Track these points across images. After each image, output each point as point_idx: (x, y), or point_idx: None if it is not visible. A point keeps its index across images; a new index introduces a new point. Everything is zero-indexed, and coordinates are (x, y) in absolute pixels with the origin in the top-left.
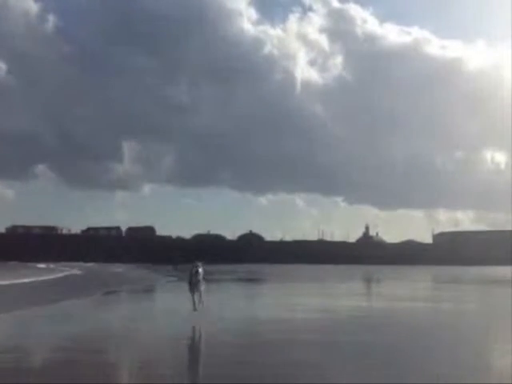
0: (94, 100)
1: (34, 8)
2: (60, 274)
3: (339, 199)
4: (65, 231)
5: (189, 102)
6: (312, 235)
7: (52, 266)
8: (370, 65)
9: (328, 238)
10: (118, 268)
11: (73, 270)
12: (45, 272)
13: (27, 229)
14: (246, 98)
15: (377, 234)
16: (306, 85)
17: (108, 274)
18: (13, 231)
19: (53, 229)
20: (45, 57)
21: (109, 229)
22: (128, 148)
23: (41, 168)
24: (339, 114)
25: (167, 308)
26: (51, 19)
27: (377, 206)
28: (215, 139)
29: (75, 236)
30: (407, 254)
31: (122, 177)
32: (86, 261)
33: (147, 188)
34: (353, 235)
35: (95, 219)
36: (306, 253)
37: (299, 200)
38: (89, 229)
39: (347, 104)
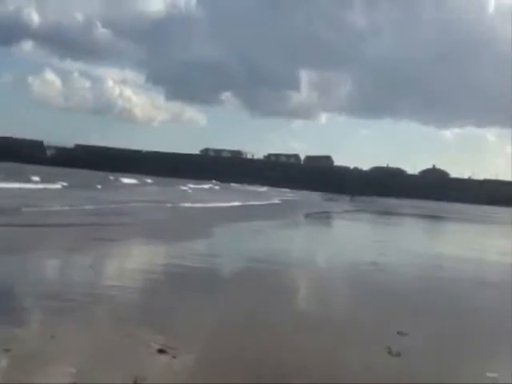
0: (274, 30)
1: None
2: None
3: None
4: (249, 156)
5: (367, 27)
6: (507, 175)
7: (265, 189)
8: None
9: None
10: (310, 195)
11: (282, 195)
12: (267, 196)
13: (217, 152)
14: (430, 21)
15: None
16: (501, 3)
17: (306, 200)
18: (206, 154)
19: (239, 153)
20: None
21: (288, 156)
22: (305, 76)
23: (226, 95)
24: None
25: (350, 234)
26: None
27: None
28: (395, 67)
29: (259, 161)
30: None
31: (299, 105)
32: (269, 185)
33: (324, 117)
34: None
35: (274, 146)
36: (499, 194)
37: (490, 135)
38: (270, 155)
39: None
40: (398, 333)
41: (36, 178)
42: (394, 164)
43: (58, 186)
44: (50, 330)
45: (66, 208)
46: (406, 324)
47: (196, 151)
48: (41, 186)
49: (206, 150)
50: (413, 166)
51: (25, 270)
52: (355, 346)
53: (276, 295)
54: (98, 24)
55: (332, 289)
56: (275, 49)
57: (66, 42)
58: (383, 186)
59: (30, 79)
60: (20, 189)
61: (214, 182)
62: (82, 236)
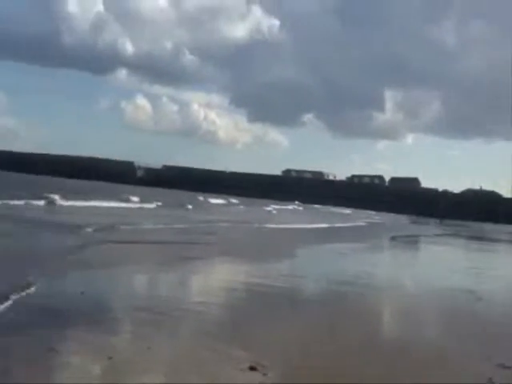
0: (357, 49)
1: None
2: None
3: None
4: (331, 177)
5: (455, 44)
6: None
7: (349, 211)
8: None
9: None
10: (397, 217)
11: (368, 218)
12: (352, 218)
13: (299, 173)
14: None
15: None
16: None
17: (393, 223)
18: (287, 174)
19: (320, 174)
20: (311, 11)
21: (372, 177)
22: (390, 96)
23: (308, 117)
24: None
25: (441, 259)
26: None
27: None
28: (486, 85)
29: (341, 182)
30: None
31: (383, 126)
32: (353, 206)
33: (410, 138)
34: None
35: (358, 167)
36: None
37: None
38: (353, 176)
39: None
40: (499, 365)
41: (135, 199)
42: (486, 186)
43: (153, 205)
44: (147, 342)
45: (160, 226)
46: (509, 357)
47: (278, 172)
48: (138, 205)
49: (287, 171)
50: (508, 188)
51: (119, 284)
52: (452, 378)
53: (361, 319)
54: (186, 51)
55: (423, 316)
56: (359, 69)
57: (156, 69)
58: (476, 210)
59: (123, 104)
60: (119, 208)
61: (296, 202)
62: (171, 253)
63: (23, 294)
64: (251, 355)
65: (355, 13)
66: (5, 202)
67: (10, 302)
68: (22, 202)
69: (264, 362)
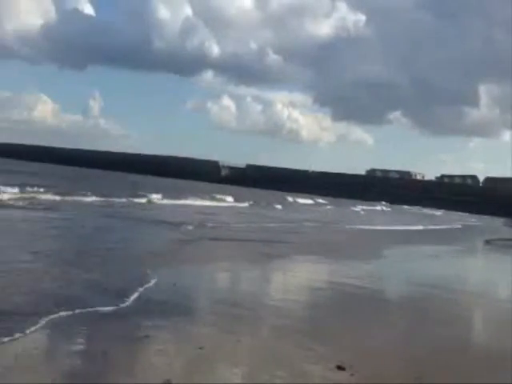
0: (449, 43)
1: None
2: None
3: None
4: (419, 177)
5: None
6: None
7: (441, 212)
8: None
9: None
10: (493, 220)
11: (462, 220)
12: (446, 220)
13: (384, 172)
14: None
15: None
16: None
17: (490, 226)
18: (372, 174)
19: (408, 174)
20: (398, 6)
21: (464, 177)
22: (485, 91)
23: (395, 114)
24: None
25: None
26: None
27: None
28: None
29: (430, 182)
30: None
31: (477, 122)
32: (443, 208)
33: (507, 135)
34: None
35: (448, 166)
36: None
37: None
38: (443, 176)
39: None
40: None
41: (229, 198)
42: None
43: (246, 204)
44: (236, 335)
45: (252, 225)
46: None
47: (362, 172)
48: (232, 204)
49: (372, 171)
50: None
51: (215, 279)
52: None
53: (449, 324)
54: (270, 51)
55: None
56: (451, 64)
57: (241, 70)
58: None
59: (209, 105)
60: (214, 206)
61: (383, 203)
62: (261, 251)
63: (146, 286)
64: (337, 355)
65: (448, 6)
66: (109, 199)
67: (137, 294)
68: (124, 200)
69: (351, 362)
